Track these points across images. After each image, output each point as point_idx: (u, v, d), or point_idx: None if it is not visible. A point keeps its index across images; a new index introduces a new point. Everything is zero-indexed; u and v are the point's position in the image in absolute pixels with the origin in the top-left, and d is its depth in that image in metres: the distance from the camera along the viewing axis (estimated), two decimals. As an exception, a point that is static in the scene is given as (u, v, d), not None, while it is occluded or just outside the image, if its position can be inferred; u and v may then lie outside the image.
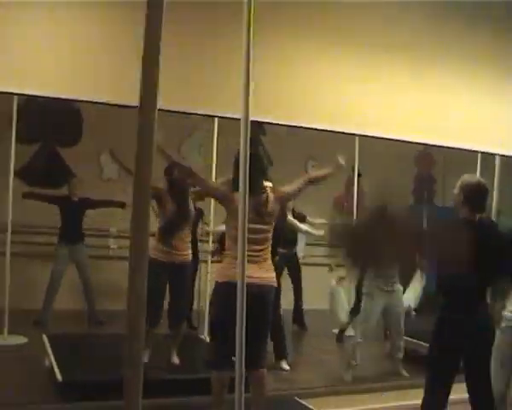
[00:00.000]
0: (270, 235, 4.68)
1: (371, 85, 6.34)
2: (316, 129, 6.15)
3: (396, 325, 6.74)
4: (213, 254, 7.32)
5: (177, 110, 5.55)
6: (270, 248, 4.68)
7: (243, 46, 3.24)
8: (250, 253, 4.40)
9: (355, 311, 7.53)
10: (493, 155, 7.35)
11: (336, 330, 8.70)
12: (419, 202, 11.39)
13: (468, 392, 4.30)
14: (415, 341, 7.13)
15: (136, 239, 1.80)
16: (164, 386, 5.30)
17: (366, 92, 6.32)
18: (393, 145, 6.90)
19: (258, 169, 4.59)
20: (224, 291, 4.17)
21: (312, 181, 5.06)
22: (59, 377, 5.12)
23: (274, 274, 4.68)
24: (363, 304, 6.81)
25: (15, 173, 7.30)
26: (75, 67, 5.15)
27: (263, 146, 8.94)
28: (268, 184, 4.75)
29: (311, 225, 8.29)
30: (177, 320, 5.94)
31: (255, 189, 4.47)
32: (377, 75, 6.37)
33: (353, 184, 8.97)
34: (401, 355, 6.77)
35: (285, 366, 6.67)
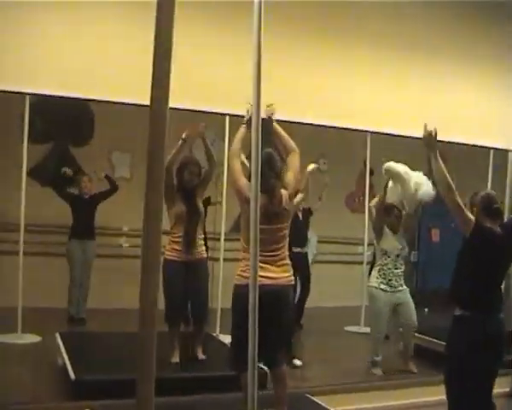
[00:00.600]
0: (286, 233, 4.65)
1: (382, 84, 6.34)
2: (327, 126, 6.16)
3: (408, 324, 6.71)
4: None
5: (188, 108, 5.56)
6: (287, 247, 4.66)
7: (253, 46, 3.23)
8: (267, 253, 4.40)
9: None
10: (506, 151, 7.33)
11: (349, 328, 8.71)
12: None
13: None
14: (425, 337, 7.14)
15: (149, 238, 1.80)
16: (182, 384, 5.34)
17: (377, 90, 6.33)
18: (406, 142, 6.88)
19: (272, 168, 4.56)
20: (245, 294, 4.17)
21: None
22: (72, 375, 5.12)
23: (291, 272, 4.65)
24: (370, 305, 6.84)
25: (28, 173, 7.33)
26: (87, 67, 5.18)
27: (270, 142, 8.93)
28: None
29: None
30: (201, 317, 6.00)
31: (269, 188, 4.48)
32: (389, 74, 6.37)
33: (365, 181, 8.95)
34: (411, 352, 6.77)
35: (297, 362, 6.68)
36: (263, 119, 4.50)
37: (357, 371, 6.76)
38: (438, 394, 5.26)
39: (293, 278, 4.68)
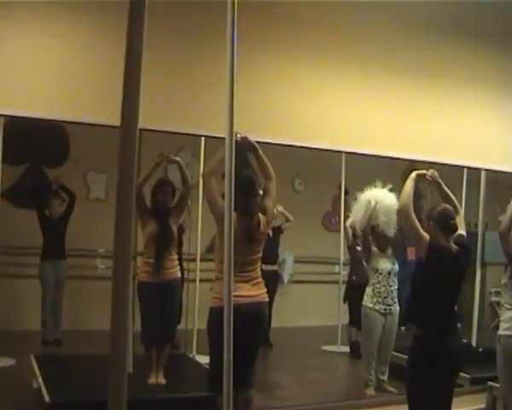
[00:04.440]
0: (261, 255, 4.67)
1: (357, 103, 6.38)
2: (302, 147, 6.18)
3: (387, 346, 6.71)
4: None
5: (161, 130, 5.56)
6: (259, 266, 4.67)
7: (227, 66, 3.25)
8: (243, 274, 4.41)
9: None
10: (479, 169, 7.40)
11: (326, 347, 8.72)
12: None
13: None
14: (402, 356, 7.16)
15: (119, 258, 1.80)
16: (157, 406, 5.31)
17: (352, 110, 6.36)
18: (380, 162, 6.93)
19: (252, 191, 4.57)
20: (221, 316, 4.17)
21: None
22: (47, 398, 5.08)
23: (265, 290, 4.66)
24: (362, 325, 6.83)
25: (2, 194, 7.27)
26: (60, 89, 5.17)
27: (249, 164, 8.95)
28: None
29: None
30: (168, 339, 5.98)
31: (249, 211, 4.51)
32: (363, 93, 6.41)
33: (340, 202, 8.99)
34: (385, 377, 6.75)
35: None
36: (246, 143, 4.55)
37: (335, 390, 6.77)
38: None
39: (266, 295, 4.68)
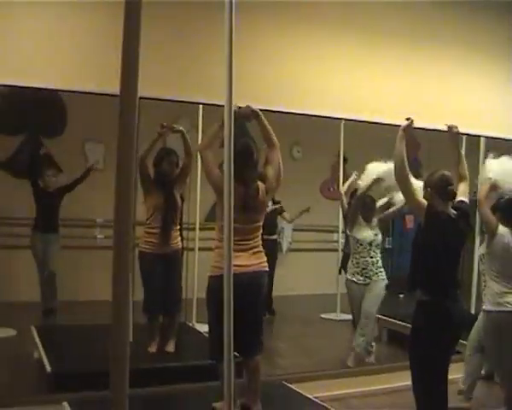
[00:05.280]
0: (261, 224, 4.67)
1: (355, 70, 6.35)
2: (300, 114, 6.15)
3: (368, 315, 6.62)
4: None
5: (160, 98, 5.53)
6: (260, 235, 4.66)
7: (225, 32, 3.22)
8: (242, 242, 4.42)
9: None
10: (478, 136, 7.38)
11: (325, 315, 8.77)
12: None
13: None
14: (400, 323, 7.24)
15: (120, 229, 1.79)
16: (159, 374, 5.35)
17: (350, 77, 6.33)
18: (379, 129, 6.90)
19: (249, 160, 4.56)
20: (219, 285, 4.20)
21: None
22: (48, 368, 5.11)
23: (265, 259, 4.66)
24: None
25: (0, 165, 7.25)
26: (57, 58, 5.13)
27: (248, 133, 8.93)
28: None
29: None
30: (175, 308, 6.01)
31: (246, 180, 4.49)
32: (361, 60, 6.38)
33: (339, 169, 8.98)
34: (371, 347, 6.75)
35: None
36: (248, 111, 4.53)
37: (333, 358, 6.81)
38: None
39: (266, 264, 4.67)
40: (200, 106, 6.97)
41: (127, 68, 1.76)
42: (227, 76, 3.23)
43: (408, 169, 4.24)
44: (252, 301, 4.49)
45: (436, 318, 4.16)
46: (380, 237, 6.70)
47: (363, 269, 6.60)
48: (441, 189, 4.23)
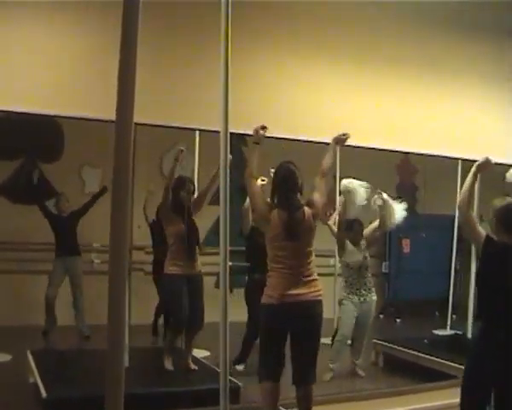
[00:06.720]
0: (311, 249, 4.53)
1: (353, 96, 6.38)
2: (295, 140, 6.18)
3: (361, 333, 6.93)
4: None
5: (156, 124, 5.57)
6: (313, 263, 4.54)
7: (221, 58, 3.26)
8: (291, 271, 4.38)
9: None
10: (474, 161, 7.40)
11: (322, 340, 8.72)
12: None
13: None
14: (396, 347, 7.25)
15: (116, 253, 1.80)
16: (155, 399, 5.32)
17: (347, 103, 6.36)
18: (375, 155, 6.94)
19: (292, 185, 4.50)
20: (268, 313, 4.38)
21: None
22: (43, 393, 5.08)
23: (318, 288, 4.56)
24: (339, 313, 7.09)
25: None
26: (55, 84, 5.17)
27: (244, 159, 8.96)
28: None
29: None
30: (200, 326, 6.14)
31: (290, 205, 4.44)
32: (358, 86, 6.42)
33: (335, 194, 8.99)
34: (360, 360, 7.01)
35: None
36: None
37: (331, 383, 6.78)
38: (408, 403, 5.31)
39: (319, 292, 4.56)
40: (197, 132, 7.00)
41: (123, 95, 1.79)
42: (223, 102, 3.26)
43: (470, 204, 4.20)
44: (306, 331, 4.46)
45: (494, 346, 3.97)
46: (368, 260, 6.96)
47: (358, 289, 6.84)
48: (503, 220, 4.08)
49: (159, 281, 7.74)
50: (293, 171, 4.55)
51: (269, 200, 4.54)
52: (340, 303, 6.97)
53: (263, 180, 5.26)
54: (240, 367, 6.64)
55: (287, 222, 4.36)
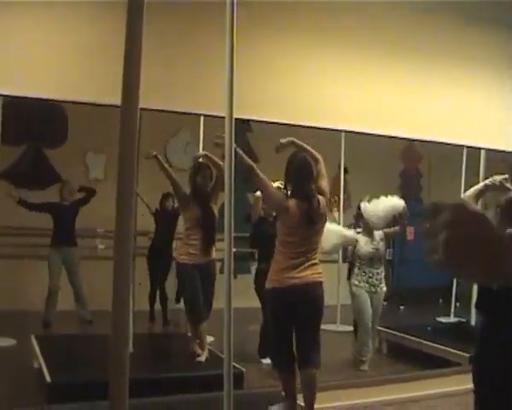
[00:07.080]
0: (320, 237, 4.67)
1: (357, 82, 6.35)
2: (301, 126, 6.16)
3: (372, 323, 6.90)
4: None
5: (161, 109, 5.55)
6: (318, 249, 4.67)
7: (226, 44, 3.24)
8: (298, 256, 4.46)
9: None
10: (479, 149, 7.39)
11: (325, 327, 8.73)
12: (406, 198, 11.46)
13: None
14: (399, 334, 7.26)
15: (121, 239, 1.80)
16: (160, 384, 5.33)
17: (352, 89, 6.33)
18: (379, 141, 6.91)
19: (307, 174, 4.57)
20: (272, 297, 4.35)
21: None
22: (48, 378, 5.10)
23: (319, 270, 4.65)
24: (353, 302, 6.99)
25: (1, 175, 7.26)
26: (59, 69, 5.15)
27: (249, 144, 8.95)
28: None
29: None
30: (208, 315, 6.10)
31: (307, 194, 4.51)
32: (363, 72, 6.39)
33: (340, 181, 8.99)
34: (369, 355, 6.86)
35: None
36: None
37: (336, 368, 6.79)
38: (411, 390, 5.31)
39: (320, 275, 4.65)
40: (202, 117, 6.98)
41: (128, 80, 1.78)
42: (228, 88, 3.25)
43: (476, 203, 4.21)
44: (307, 312, 4.50)
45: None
46: (381, 250, 6.95)
47: (370, 278, 6.85)
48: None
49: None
50: (308, 161, 4.62)
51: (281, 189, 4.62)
52: (353, 293, 6.92)
53: (281, 184, 5.13)
54: (266, 361, 6.43)
55: (306, 212, 4.43)
